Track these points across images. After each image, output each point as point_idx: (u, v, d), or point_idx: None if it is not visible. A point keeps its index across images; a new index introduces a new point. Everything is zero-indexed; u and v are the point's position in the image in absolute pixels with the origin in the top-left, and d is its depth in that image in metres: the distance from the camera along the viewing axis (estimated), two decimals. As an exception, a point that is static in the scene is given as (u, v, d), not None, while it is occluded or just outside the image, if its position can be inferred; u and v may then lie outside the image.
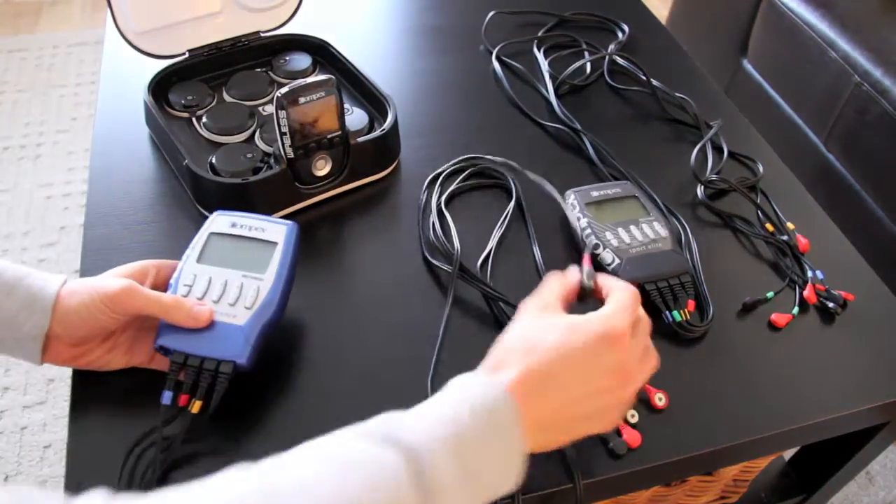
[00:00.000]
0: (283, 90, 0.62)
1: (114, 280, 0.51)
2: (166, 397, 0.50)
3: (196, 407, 0.50)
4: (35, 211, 1.62)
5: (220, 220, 0.57)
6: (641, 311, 0.49)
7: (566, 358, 0.44)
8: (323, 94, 0.63)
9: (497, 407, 0.41)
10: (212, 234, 0.56)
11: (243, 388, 0.53)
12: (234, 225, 0.57)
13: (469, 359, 0.59)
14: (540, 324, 0.46)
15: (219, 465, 0.37)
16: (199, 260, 0.55)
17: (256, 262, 0.54)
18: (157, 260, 0.56)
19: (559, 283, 0.50)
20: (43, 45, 2.09)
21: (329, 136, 0.66)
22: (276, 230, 0.56)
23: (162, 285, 0.54)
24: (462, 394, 0.42)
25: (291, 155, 0.65)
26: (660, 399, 0.56)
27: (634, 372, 0.46)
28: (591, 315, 0.46)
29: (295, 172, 0.66)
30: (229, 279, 0.53)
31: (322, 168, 0.67)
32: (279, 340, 0.57)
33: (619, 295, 0.48)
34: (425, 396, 0.56)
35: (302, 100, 0.62)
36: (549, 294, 0.49)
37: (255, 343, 0.51)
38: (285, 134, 0.63)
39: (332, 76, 0.64)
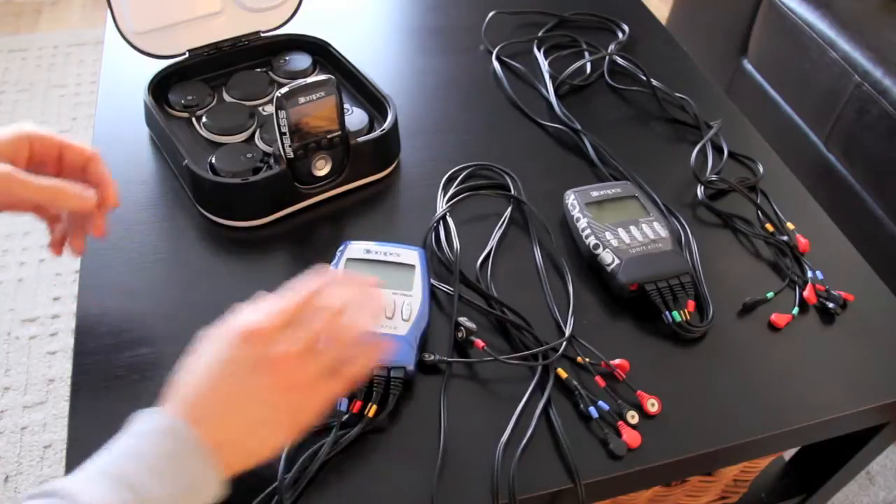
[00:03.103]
0: (283, 90, 0.62)
1: None
2: (343, 405, 0.53)
3: (372, 411, 0.53)
4: (35, 211, 1.62)
5: (354, 248, 0.62)
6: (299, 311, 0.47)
7: (211, 370, 0.44)
8: (323, 94, 0.63)
9: (173, 437, 0.41)
10: (349, 259, 0.61)
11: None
12: (368, 251, 0.61)
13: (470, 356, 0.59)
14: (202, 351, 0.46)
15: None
16: None
17: (402, 281, 0.59)
18: (31, 130, 0.52)
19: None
20: (43, 45, 2.09)
21: (329, 136, 0.66)
22: (410, 254, 0.62)
23: (39, 161, 0.52)
24: (133, 438, 0.42)
25: (291, 155, 0.65)
26: (652, 405, 0.56)
27: (291, 363, 0.45)
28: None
29: (295, 172, 0.66)
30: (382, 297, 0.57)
31: (322, 168, 0.67)
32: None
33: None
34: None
35: (302, 100, 0.62)
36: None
37: (416, 350, 0.56)
38: (285, 134, 0.63)
39: (332, 76, 0.64)
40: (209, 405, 0.43)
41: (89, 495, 0.38)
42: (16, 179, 0.48)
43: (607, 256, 0.63)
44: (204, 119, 0.73)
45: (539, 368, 0.57)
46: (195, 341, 0.47)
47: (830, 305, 0.64)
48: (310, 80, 0.63)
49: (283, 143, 0.64)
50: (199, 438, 0.41)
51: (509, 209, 0.71)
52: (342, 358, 0.48)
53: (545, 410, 0.55)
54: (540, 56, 0.91)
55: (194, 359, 0.45)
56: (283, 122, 0.62)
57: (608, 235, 0.64)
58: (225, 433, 0.43)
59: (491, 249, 0.67)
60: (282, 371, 0.45)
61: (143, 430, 0.42)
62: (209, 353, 0.45)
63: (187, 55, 0.75)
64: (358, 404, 0.53)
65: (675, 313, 0.61)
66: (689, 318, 0.61)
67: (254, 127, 0.73)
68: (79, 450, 0.50)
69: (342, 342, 0.48)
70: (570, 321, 0.61)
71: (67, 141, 0.54)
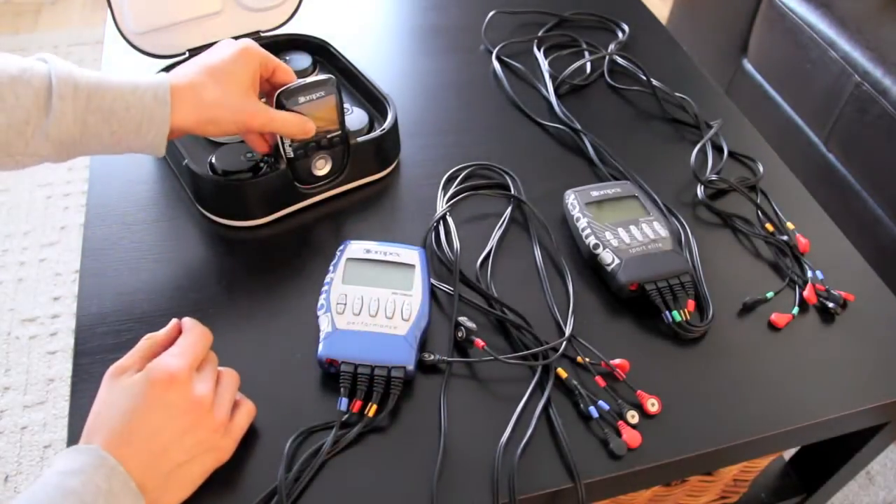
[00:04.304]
0: (283, 89, 0.62)
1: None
2: (342, 404, 0.53)
3: (372, 411, 0.53)
4: (35, 211, 1.62)
5: (354, 247, 0.61)
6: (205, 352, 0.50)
7: (139, 414, 0.45)
8: (323, 93, 0.63)
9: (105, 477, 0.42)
10: (349, 259, 0.60)
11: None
12: (368, 251, 0.61)
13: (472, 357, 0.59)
14: (110, 395, 0.47)
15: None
16: (344, 281, 0.58)
17: (401, 281, 0.59)
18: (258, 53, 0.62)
19: (144, 343, 0.50)
20: (43, 45, 2.09)
21: (329, 136, 0.66)
22: (410, 254, 0.61)
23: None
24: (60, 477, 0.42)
25: (291, 155, 0.65)
26: (652, 405, 0.56)
27: (209, 402, 0.47)
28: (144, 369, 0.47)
29: (295, 172, 0.66)
30: (380, 296, 0.57)
31: (322, 168, 0.67)
32: (287, 337, 0.58)
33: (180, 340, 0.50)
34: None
35: (302, 99, 0.62)
36: (127, 358, 0.49)
37: (416, 349, 0.55)
38: (285, 134, 0.63)
39: (332, 76, 0.64)
40: (140, 448, 0.44)
41: None
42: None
43: (607, 256, 0.63)
44: (204, 119, 0.73)
45: (539, 368, 0.57)
46: (105, 383, 0.47)
47: (830, 305, 0.64)
48: (310, 79, 0.63)
49: (283, 143, 0.64)
50: (130, 478, 0.43)
51: (509, 209, 0.71)
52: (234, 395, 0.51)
53: (545, 410, 0.55)
54: (540, 56, 0.91)
55: (114, 402, 0.46)
56: (283, 121, 0.62)
57: (608, 235, 0.64)
58: (152, 476, 0.44)
59: (491, 249, 0.67)
60: (204, 411, 0.47)
61: (73, 468, 0.42)
62: (134, 397, 0.45)
63: (187, 55, 0.75)
64: (358, 404, 0.53)
65: (675, 313, 0.61)
66: (689, 317, 0.61)
67: (254, 127, 0.73)
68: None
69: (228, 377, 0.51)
70: (570, 321, 0.61)
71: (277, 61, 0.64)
